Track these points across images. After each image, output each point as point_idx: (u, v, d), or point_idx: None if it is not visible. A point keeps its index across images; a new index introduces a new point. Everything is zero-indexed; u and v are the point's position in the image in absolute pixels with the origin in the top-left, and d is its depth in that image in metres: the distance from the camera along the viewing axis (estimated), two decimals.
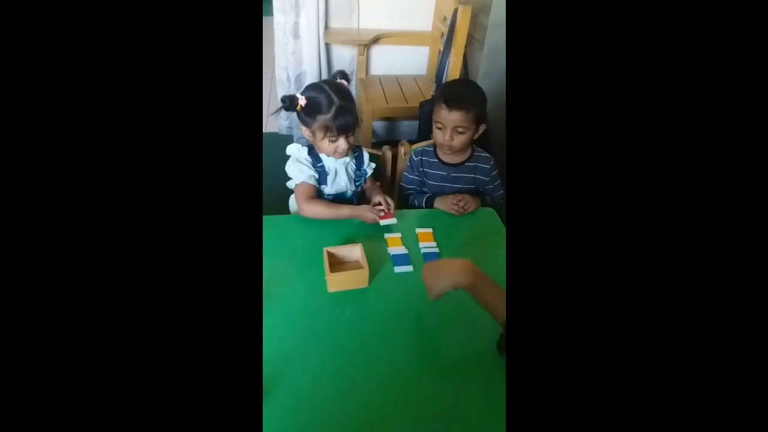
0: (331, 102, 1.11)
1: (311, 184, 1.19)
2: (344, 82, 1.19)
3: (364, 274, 0.97)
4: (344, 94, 1.14)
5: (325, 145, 1.16)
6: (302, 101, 1.12)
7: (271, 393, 0.74)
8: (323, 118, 1.12)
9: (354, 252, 1.03)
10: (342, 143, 1.15)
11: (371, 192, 1.31)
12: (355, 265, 1.02)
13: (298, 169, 1.19)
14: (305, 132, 1.18)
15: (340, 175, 1.24)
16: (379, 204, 1.18)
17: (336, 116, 1.11)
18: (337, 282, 0.96)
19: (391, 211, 1.18)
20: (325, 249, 0.99)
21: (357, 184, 1.31)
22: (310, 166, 1.20)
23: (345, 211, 1.17)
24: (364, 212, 1.15)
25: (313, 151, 1.22)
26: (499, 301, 0.78)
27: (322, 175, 1.23)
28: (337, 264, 1.01)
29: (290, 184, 1.22)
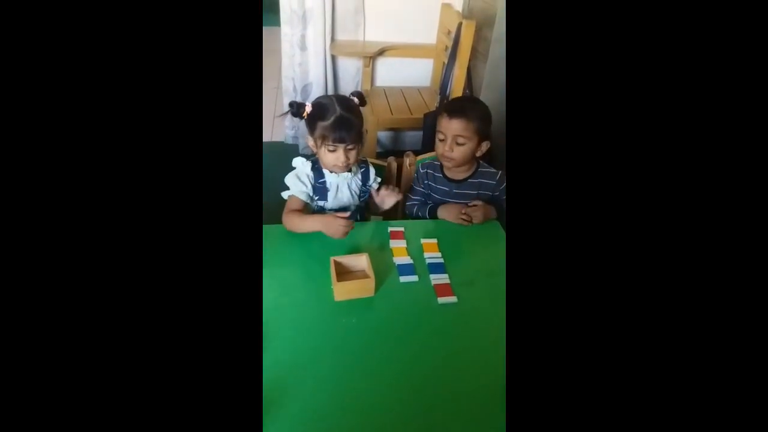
0: (333, 111, 1.12)
1: (300, 199, 1.20)
2: (355, 99, 1.19)
3: (370, 283, 0.98)
4: (348, 106, 1.15)
5: (326, 156, 1.16)
6: (308, 108, 1.14)
7: (275, 402, 0.75)
8: (322, 125, 1.13)
9: (360, 261, 1.05)
10: (340, 155, 1.15)
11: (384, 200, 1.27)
12: (361, 275, 1.03)
13: (293, 183, 1.21)
14: (309, 141, 1.19)
15: (342, 191, 1.25)
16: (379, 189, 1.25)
17: (334, 125, 1.11)
18: (343, 291, 0.97)
19: (394, 191, 1.25)
20: (332, 258, 1.01)
21: (361, 199, 1.31)
22: (307, 182, 1.21)
23: (312, 223, 1.13)
24: (330, 223, 1.10)
25: (316, 166, 1.23)
26: None
27: (322, 191, 1.24)
28: (344, 273, 1.03)
29: (284, 195, 1.23)
